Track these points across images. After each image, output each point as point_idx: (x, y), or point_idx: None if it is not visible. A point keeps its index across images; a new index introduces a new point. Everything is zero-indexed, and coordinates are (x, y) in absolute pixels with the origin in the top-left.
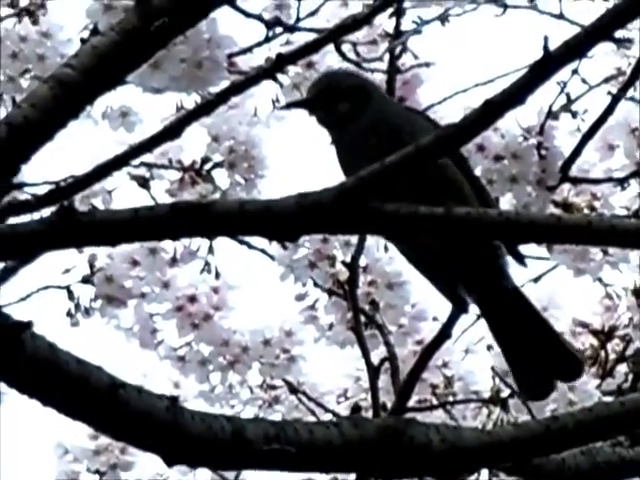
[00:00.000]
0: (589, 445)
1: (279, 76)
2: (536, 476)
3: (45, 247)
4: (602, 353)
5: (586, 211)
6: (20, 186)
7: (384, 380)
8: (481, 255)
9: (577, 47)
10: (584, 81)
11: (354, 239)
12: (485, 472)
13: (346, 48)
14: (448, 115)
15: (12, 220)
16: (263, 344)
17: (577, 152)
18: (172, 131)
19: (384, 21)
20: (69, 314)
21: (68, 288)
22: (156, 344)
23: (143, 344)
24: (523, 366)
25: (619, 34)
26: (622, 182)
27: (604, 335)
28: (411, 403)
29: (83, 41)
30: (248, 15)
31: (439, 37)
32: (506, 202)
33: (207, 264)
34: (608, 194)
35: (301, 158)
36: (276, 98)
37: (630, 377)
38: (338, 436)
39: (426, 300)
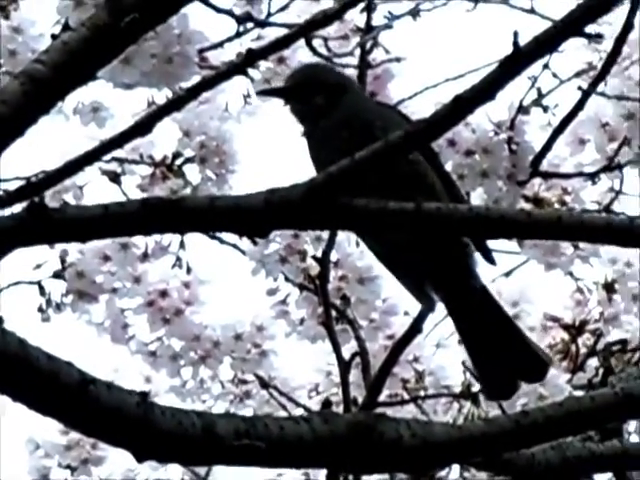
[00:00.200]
0: (559, 440)
1: (250, 71)
2: (506, 471)
3: (16, 243)
4: (573, 347)
5: (557, 206)
6: None
7: (355, 375)
8: (449, 253)
9: (547, 42)
10: (555, 75)
11: (325, 234)
12: (456, 467)
13: (317, 43)
14: (419, 110)
15: None
16: (234, 339)
17: (548, 147)
18: (143, 126)
19: (355, 16)
20: (40, 309)
21: (39, 283)
22: (127, 339)
23: (114, 339)
24: (488, 366)
25: (590, 29)
26: (593, 177)
27: (575, 329)
28: (382, 398)
29: (54, 37)
30: (219, 10)
31: (410, 32)
32: (477, 197)
33: (178, 259)
34: (579, 189)
35: (272, 153)
36: (247, 93)
37: (601, 371)
38: (309, 432)
39: (397, 295)
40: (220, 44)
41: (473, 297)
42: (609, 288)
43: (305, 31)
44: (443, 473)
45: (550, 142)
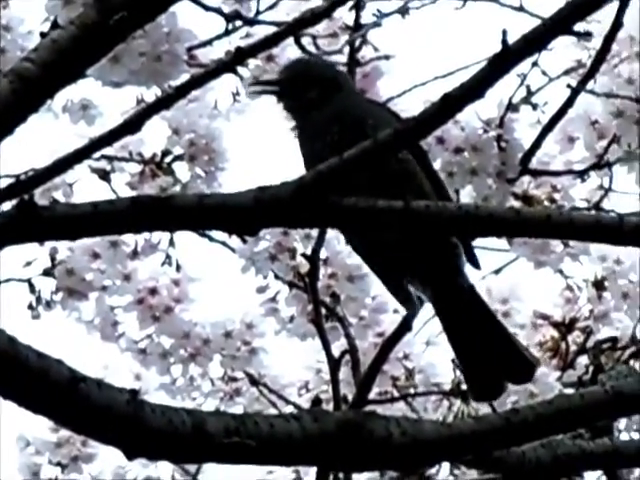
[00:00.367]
0: (550, 438)
1: (239, 69)
2: (497, 469)
3: (5, 241)
4: (563, 345)
5: (546, 203)
6: None
7: (345, 372)
8: (438, 252)
9: (536, 41)
10: (544, 73)
11: (315, 232)
12: (446, 465)
13: (306, 41)
14: (408, 108)
15: None
16: (224, 336)
17: (537, 144)
18: (132, 124)
19: (344, 14)
20: (30, 307)
21: (29, 281)
22: (117, 337)
23: (104, 337)
24: (474, 366)
25: (578, 27)
26: (582, 174)
27: (565, 327)
28: (372, 395)
29: (43, 35)
30: (207, 8)
31: (399, 30)
32: (466, 194)
33: (168, 257)
34: (568, 186)
35: (261, 151)
36: (236, 91)
37: (591, 369)
38: (298, 429)
39: (387, 293)
40: (209, 42)
41: (461, 296)
42: (599, 286)
43: (294, 29)
44: (433, 471)
45: (539, 140)
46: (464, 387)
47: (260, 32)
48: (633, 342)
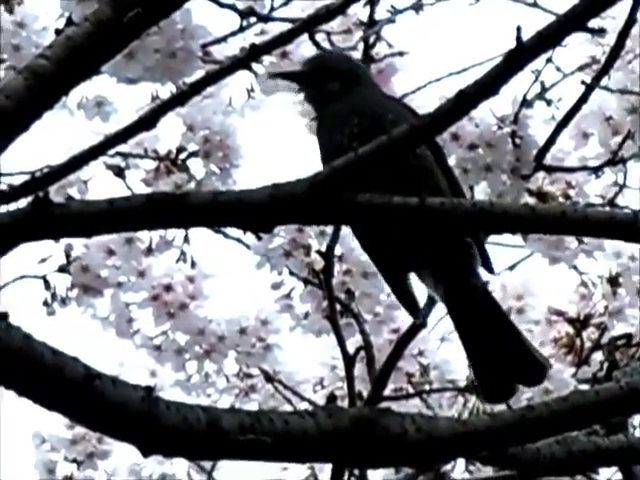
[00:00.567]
0: (564, 434)
1: (254, 66)
2: (512, 465)
3: (20, 238)
4: (577, 341)
5: (561, 200)
6: None
7: (360, 369)
8: (452, 251)
9: (550, 37)
10: (558, 69)
11: (329, 228)
12: (462, 461)
13: (320, 37)
14: (422, 104)
15: None
16: (239, 333)
17: (551, 140)
18: (147, 121)
19: (358, 10)
20: (45, 303)
21: (44, 278)
22: (132, 333)
23: (119, 333)
24: (485, 368)
25: (593, 23)
26: (596, 170)
27: (579, 323)
28: (387, 392)
29: (57, 32)
30: (222, 5)
31: (413, 26)
32: (480, 191)
33: (183, 253)
34: (583, 182)
35: (276, 147)
36: (251, 88)
37: (605, 365)
38: (313, 426)
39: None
40: (223, 39)
41: (474, 296)
42: (613, 282)
43: (308, 26)
44: (448, 467)
45: (554, 136)
46: None
47: (274, 29)
48: None
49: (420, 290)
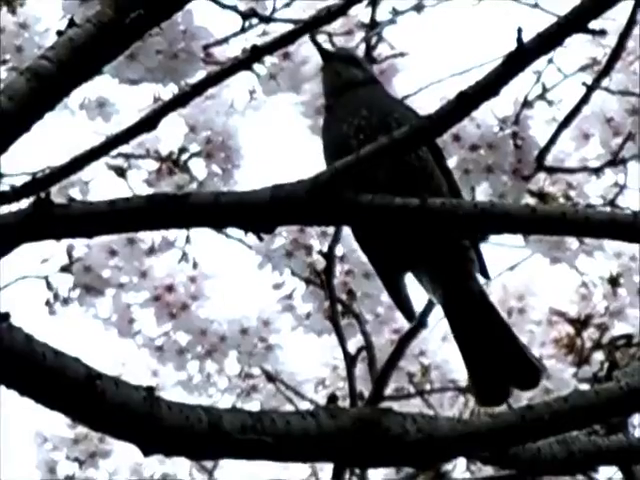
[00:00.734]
0: (565, 434)
1: (255, 67)
2: (512, 465)
3: (22, 239)
4: (578, 341)
5: (562, 200)
6: None
7: (361, 369)
8: (451, 255)
9: (551, 39)
10: (559, 70)
11: (331, 229)
12: (462, 461)
13: (322, 39)
14: (423, 105)
15: None
16: (240, 333)
17: (552, 141)
18: (149, 122)
19: (360, 11)
20: (47, 304)
21: (46, 278)
22: (134, 333)
23: (121, 333)
24: (481, 371)
25: (593, 25)
26: (597, 171)
27: (580, 323)
28: (388, 391)
29: (60, 33)
30: (224, 6)
31: (414, 27)
32: (482, 192)
33: (184, 254)
34: (583, 183)
35: (277, 148)
36: (253, 89)
37: (606, 365)
38: (315, 426)
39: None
40: (225, 40)
41: (471, 300)
42: (614, 282)
43: (310, 27)
44: (449, 467)
45: (555, 137)
46: None
47: (276, 30)
48: None
49: (419, 292)
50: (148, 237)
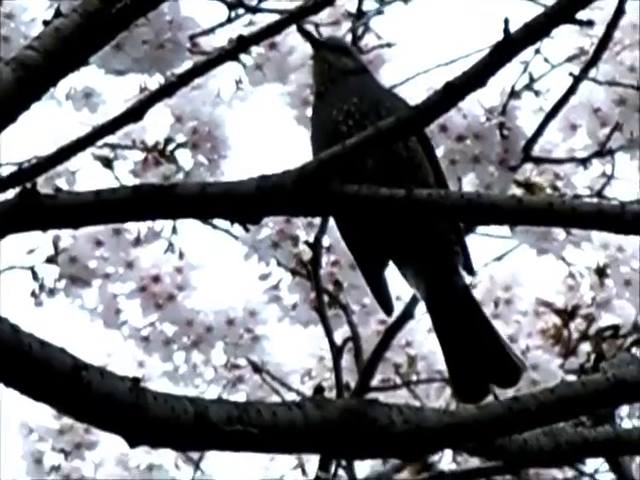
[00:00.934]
0: (552, 425)
1: (242, 57)
2: (499, 456)
3: (8, 230)
4: (565, 332)
5: (549, 191)
6: None
7: (348, 359)
8: (436, 248)
9: (538, 29)
10: (546, 60)
11: (317, 220)
12: (449, 452)
13: (309, 29)
14: (411, 96)
15: None
16: (227, 324)
17: (539, 132)
18: (135, 112)
19: (346, 1)
20: (33, 294)
21: (32, 269)
22: (120, 324)
23: (107, 324)
24: (461, 367)
25: (581, 15)
26: (584, 162)
27: (567, 314)
28: (375, 382)
29: (46, 23)
30: None
31: (401, 17)
32: (468, 182)
33: (171, 244)
34: (571, 174)
35: (264, 138)
36: (239, 79)
37: (592, 356)
38: (301, 417)
39: (389, 280)
40: (211, 30)
41: (454, 295)
42: (601, 273)
43: (297, 17)
44: (435, 458)
45: (542, 127)
46: None
47: (263, 20)
48: (635, 329)
49: (405, 284)
50: (134, 228)
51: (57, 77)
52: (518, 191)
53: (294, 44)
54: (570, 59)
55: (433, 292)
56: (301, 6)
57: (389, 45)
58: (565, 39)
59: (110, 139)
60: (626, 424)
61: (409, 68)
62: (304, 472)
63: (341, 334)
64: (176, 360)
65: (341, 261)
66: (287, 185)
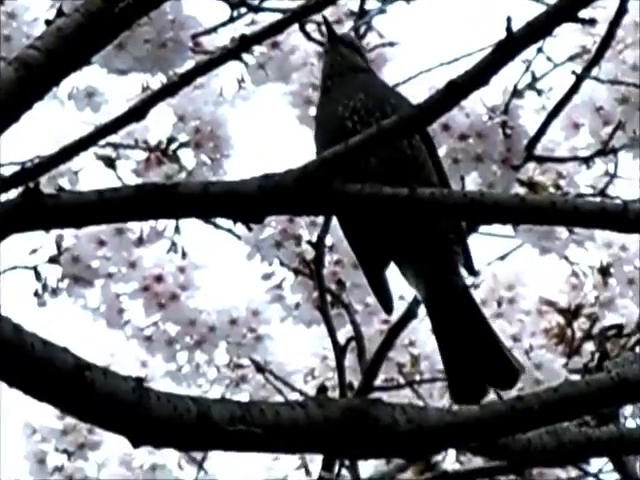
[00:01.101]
0: (555, 425)
1: (244, 56)
2: (502, 456)
3: (11, 229)
4: (568, 332)
5: (551, 190)
6: None
7: (351, 359)
8: (436, 248)
9: (540, 27)
10: (549, 59)
11: (320, 219)
12: (453, 452)
13: (311, 28)
14: (413, 94)
15: None
16: (230, 323)
17: (542, 131)
18: (138, 111)
19: (348, 0)
20: (36, 294)
21: (35, 268)
22: (123, 324)
23: (110, 324)
24: (458, 368)
25: (583, 13)
26: (587, 161)
27: (570, 313)
28: (378, 382)
29: (48, 22)
30: None
31: (404, 16)
32: (471, 181)
33: (173, 244)
34: (573, 173)
35: (267, 138)
36: (241, 78)
37: (596, 356)
38: (304, 417)
39: (392, 279)
40: (214, 29)
41: (454, 295)
42: (604, 272)
43: (299, 16)
44: (439, 458)
45: (544, 126)
46: None
47: (265, 19)
48: (639, 329)
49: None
50: (137, 227)
51: (59, 76)
52: (521, 190)
53: (296, 43)
54: (572, 58)
55: (432, 292)
56: (303, 5)
57: (391, 44)
58: (567, 38)
59: (112, 138)
60: (630, 423)
61: (411, 67)
62: (307, 472)
63: (344, 334)
64: (179, 360)
65: (344, 260)
66: (290, 184)
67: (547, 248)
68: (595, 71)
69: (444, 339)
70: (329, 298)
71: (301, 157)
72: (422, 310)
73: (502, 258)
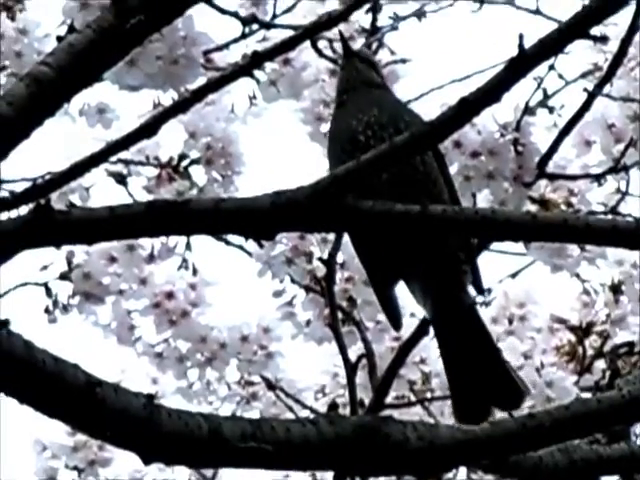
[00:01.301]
0: (566, 443)
1: (256, 73)
2: (513, 473)
3: (22, 246)
4: (580, 349)
5: (563, 207)
6: None
7: (362, 376)
8: (444, 265)
9: (552, 45)
10: (561, 76)
11: (331, 236)
12: (463, 469)
13: (322, 44)
14: (425, 111)
15: None
16: (241, 340)
17: (554, 148)
18: (149, 128)
19: (360, 17)
20: (47, 311)
21: (46, 285)
22: (134, 341)
23: (121, 340)
24: (463, 388)
25: (595, 30)
26: (599, 178)
27: (582, 331)
28: (389, 399)
29: (59, 39)
30: (224, 12)
31: (416, 33)
32: (483, 198)
33: (184, 260)
34: (585, 190)
35: (278, 154)
36: (253, 95)
37: (608, 373)
38: (315, 434)
39: (403, 296)
40: (225, 46)
41: (461, 313)
42: (616, 290)
43: (310, 32)
44: (450, 475)
45: (556, 143)
46: None
47: (277, 36)
48: None
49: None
50: (148, 244)
51: (70, 93)
52: (532, 207)
53: (308, 60)
54: (584, 75)
55: (438, 309)
56: (315, 22)
57: (403, 61)
58: (579, 55)
59: (124, 155)
60: None
61: (423, 84)
62: None
63: (355, 351)
64: (190, 377)
65: (355, 277)
66: (301, 201)
67: (558, 265)
68: (607, 88)
69: (450, 357)
70: (340, 315)
71: (312, 174)
72: None
73: (513, 276)
